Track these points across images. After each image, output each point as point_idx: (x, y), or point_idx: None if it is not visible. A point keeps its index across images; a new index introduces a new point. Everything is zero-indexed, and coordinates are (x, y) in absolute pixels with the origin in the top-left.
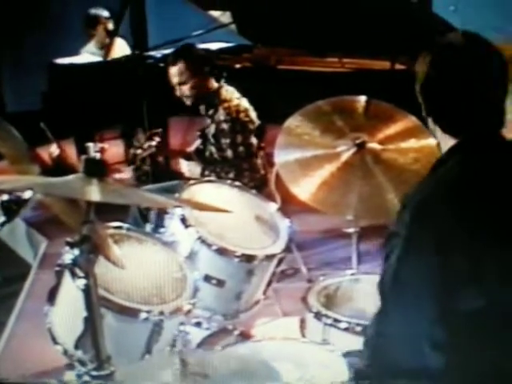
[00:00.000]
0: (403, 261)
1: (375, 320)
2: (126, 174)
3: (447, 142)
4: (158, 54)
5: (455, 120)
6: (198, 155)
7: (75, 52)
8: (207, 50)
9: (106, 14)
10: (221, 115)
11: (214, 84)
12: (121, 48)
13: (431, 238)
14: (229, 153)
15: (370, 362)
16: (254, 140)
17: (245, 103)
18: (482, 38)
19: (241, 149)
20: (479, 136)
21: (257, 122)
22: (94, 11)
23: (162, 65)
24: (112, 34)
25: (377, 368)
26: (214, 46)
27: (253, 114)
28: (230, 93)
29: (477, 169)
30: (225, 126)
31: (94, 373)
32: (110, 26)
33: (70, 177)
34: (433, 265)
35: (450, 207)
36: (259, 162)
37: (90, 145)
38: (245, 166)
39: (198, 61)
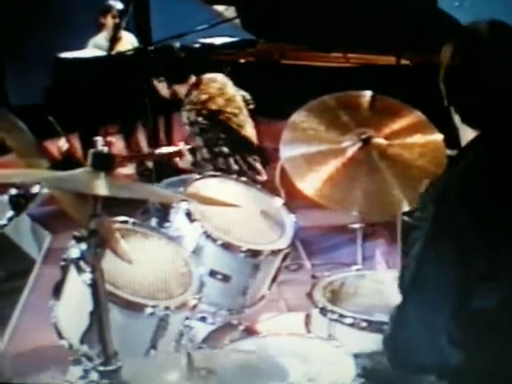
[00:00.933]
0: (424, 255)
1: (394, 315)
2: (130, 168)
3: (467, 133)
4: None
5: (476, 111)
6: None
7: (80, 46)
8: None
9: (119, 6)
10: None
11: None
12: (129, 42)
13: (452, 234)
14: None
15: (391, 358)
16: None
17: (220, 102)
18: (509, 28)
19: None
20: (500, 128)
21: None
22: (109, 1)
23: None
24: (116, 28)
25: (398, 364)
26: (218, 40)
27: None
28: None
29: (498, 163)
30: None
31: (101, 368)
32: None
33: (78, 171)
34: (453, 261)
35: (471, 203)
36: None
37: (98, 138)
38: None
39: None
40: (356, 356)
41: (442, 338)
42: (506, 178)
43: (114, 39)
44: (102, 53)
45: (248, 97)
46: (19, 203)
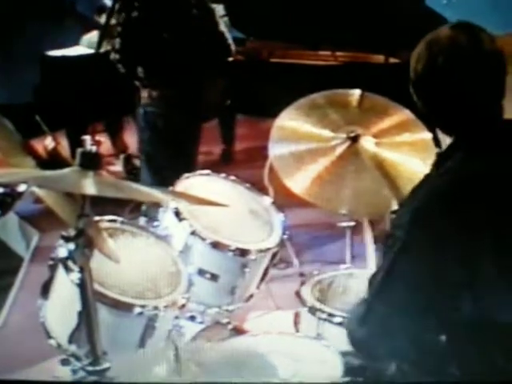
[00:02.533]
0: (399, 258)
1: (359, 312)
2: (117, 167)
3: (445, 137)
4: None
5: (446, 119)
6: None
7: (68, 45)
8: None
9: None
10: None
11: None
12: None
13: (428, 239)
14: None
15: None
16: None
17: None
18: (474, 29)
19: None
20: (475, 132)
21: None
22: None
23: None
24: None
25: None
26: None
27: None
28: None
29: (476, 170)
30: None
31: (90, 368)
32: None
33: (66, 170)
34: (429, 265)
35: (449, 211)
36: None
37: (87, 138)
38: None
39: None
40: (343, 354)
41: (402, 339)
42: (482, 184)
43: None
44: (89, 51)
45: None
46: (5, 202)
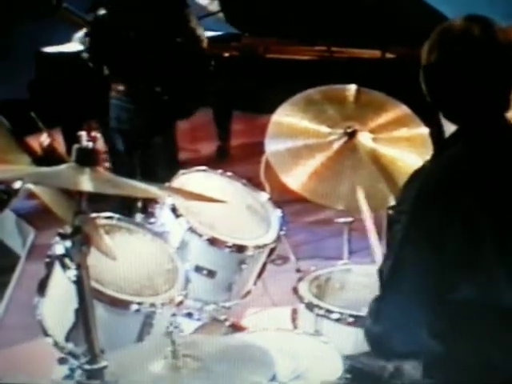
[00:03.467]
0: (403, 248)
1: (373, 307)
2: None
3: (451, 128)
4: None
5: (454, 108)
6: None
7: (63, 41)
8: None
9: None
10: None
11: None
12: None
13: (431, 225)
14: None
15: (372, 348)
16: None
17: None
18: (487, 21)
19: None
20: (481, 123)
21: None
22: None
23: None
24: None
25: (377, 353)
26: None
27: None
28: None
29: (479, 158)
30: None
31: (87, 366)
32: None
33: (62, 166)
34: (432, 252)
35: (451, 195)
36: None
37: (83, 134)
38: None
39: None
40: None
41: (418, 328)
42: (484, 173)
43: None
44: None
45: None
46: (1, 199)
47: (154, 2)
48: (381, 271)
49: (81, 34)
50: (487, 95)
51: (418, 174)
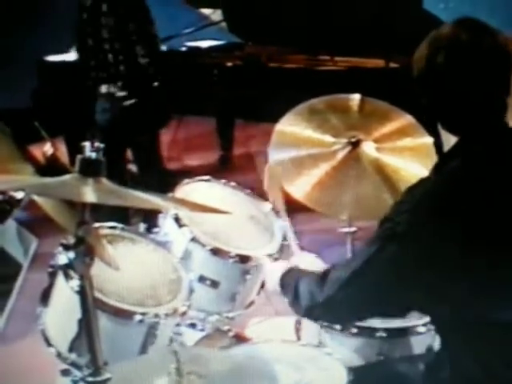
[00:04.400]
0: (388, 244)
1: (332, 280)
2: None
3: (449, 137)
4: None
5: (448, 117)
6: None
7: (65, 50)
8: None
9: None
10: None
11: None
12: None
13: (426, 238)
14: None
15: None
16: None
17: None
18: (477, 25)
19: None
20: (478, 131)
21: None
22: None
23: None
24: None
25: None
26: (205, 43)
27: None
28: None
29: (478, 172)
30: None
31: (90, 379)
32: None
33: (65, 177)
34: (426, 260)
35: (450, 210)
36: None
37: (86, 144)
38: None
39: None
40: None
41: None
42: (484, 188)
43: None
44: None
45: None
46: (4, 209)
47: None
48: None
49: None
50: (479, 101)
51: (415, 188)
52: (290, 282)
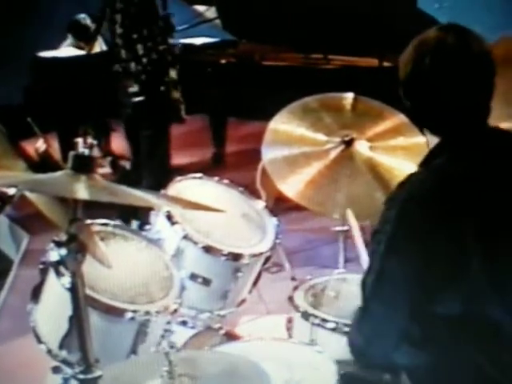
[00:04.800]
0: (388, 258)
1: (356, 318)
2: (107, 169)
3: (433, 138)
4: None
5: (433, 120)
6: None
7: (59, 46)
8: None
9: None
10: None
11: None
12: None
13: (413, 237)
14: None
15: (356, 361)
16: None
17: None
18: (462, 30)
19: None
20: (463, 134)
21: None
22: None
23: None
24: (94, 32)
25: (360, 365)
26: (199, 40)
27: None
28: None
29: (465, 168)
30: None
31: (81, 376)
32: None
33: (58, 173)
34: (415, 264)
35: (432, 209)
36: None
37: (79, 140)
38: None
39: None
40: (338, 362)
41: (398, 340)
42: (470, 183)
43: (93, 39)
44: (80, 52)
45: None
46: None
47: None
48: (364, 281)
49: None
50: (465, 105)
51: (402, 186)
52: None
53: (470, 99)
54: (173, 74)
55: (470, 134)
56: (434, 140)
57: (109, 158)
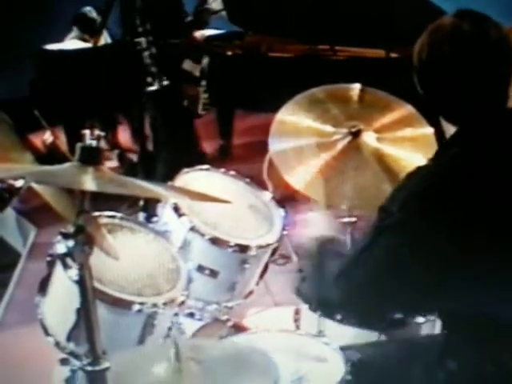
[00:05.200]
0: (385, 232)
1: (341, 273)
2: (115, 162)
3: (449, 127)
4: None
5: (449, 107)
6: None
7: (63, 38)
8: None
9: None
10: None
11: None
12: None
13: (423, 226)
14: None
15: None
16: None
17: None
18: (478, 17)
19: None
20: (479, 122)
21: None
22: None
23: None
24: (100, 25)
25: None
26: (205, 32)
27: None
28: None
29: (478, 160)
30: None
31: (89, 368)
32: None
33: (65, 165)
34: (424, 252)
35: (447, 197)
36: None
37: (86, 132)
38: None
39: None
40: (344, 349)
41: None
42: (483, 175)
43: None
44: (86, 45)
45: None
46: (3, 198)
47: None
48: (355, 246)
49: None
50: (481, 92)
51: (410, 177)
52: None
53: (488, 86)
54: (194, 69)
55: (487, 121)
56: (450, 129)
57: (116, 151)
